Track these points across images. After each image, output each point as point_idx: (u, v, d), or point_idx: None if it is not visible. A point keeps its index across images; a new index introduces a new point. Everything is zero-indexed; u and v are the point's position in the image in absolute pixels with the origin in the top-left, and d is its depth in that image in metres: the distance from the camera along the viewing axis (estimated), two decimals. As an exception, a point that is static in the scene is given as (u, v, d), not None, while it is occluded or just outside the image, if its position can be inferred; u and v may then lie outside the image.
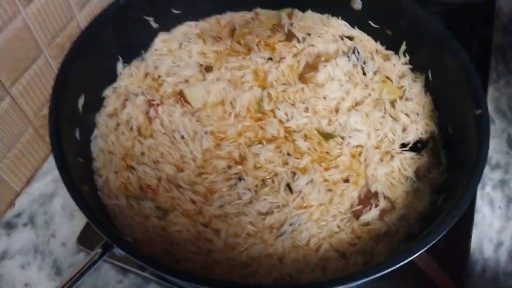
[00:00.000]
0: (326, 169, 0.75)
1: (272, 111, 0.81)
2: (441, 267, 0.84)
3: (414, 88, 0.83)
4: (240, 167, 0.75)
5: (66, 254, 0.90)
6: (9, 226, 0.93)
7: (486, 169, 0.98)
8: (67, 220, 0.94)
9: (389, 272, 0.81)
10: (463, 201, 0.58)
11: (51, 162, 1.00)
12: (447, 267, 0.84)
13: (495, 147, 1.02)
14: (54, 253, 0.90)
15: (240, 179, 0.73)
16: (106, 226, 0.57)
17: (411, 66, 0.86)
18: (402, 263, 0.54)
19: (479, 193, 0.95)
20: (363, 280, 0.53)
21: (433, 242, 0.56)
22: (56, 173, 0.63)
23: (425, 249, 0.55)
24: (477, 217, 0.92)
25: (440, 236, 0.56)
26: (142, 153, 0.76)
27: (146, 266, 0.53)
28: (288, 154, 0.76)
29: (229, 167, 0.75)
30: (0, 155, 0.88)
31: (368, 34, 0.92)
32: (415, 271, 0.84)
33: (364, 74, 0.85)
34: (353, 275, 0.54)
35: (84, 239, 0.87)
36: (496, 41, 1.19)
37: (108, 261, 0.87)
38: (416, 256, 0.55)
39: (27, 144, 0.96)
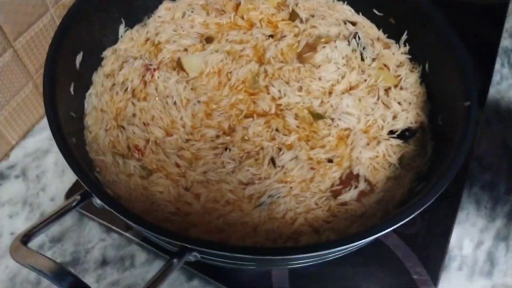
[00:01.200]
0: (312, 148, 0.75)
1: (266, 87, 0.82)
2: (419, 260, 0.85)
3: (410, 78, 0.83)
4: (228, 137, 0.76)
5: (53, 209, 0.92)
6: (2, 176, 0.96)
7: (477, 169, 0.98)
8: (58, 176, 0.96)
9: (368, 257, 0.83)
10: (434, 189, 0.58)
11: (48, 118, 1.02)
12: (425, 260, 0.85)
13: (489, 149, 1.02)
14: (42, 207, 0.93)
15: (226, 149, 0.75)
16: (86, 174, 0.59)
17: (410, 56, 0.86)
18: (361, 241, 0.54)
19: (466, 191, 0.95)
20: (324, 252, 0.54)
21: (400, 223, 0.56)
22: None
23: (391, 229, 0.56)
24: (461, 215, 0.92)
25: (407, 219, 0.57)
26: (134, 115, 0.78)
27: (119, 216, 0.54)
28: (277, 130, 0.77)
29: (217, 136, 0.77)
30: (-2, 106, 0.90)
31: (372, 21, 0.92)
32: (392, 261, 0.85)
33: (363, 59, 0.85)
34: (309, 246, 0.55)
35: (72, 196, 0.88)
36: (503, 43, 1.18)
37: (93, 219, 0.89)
38: (382, 235, 0.56)
39: (26, 98, 0.98)
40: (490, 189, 0.96)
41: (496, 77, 1.13)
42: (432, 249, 0.86)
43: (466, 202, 0.94)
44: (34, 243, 0.87)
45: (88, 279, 0.85)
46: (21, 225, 0.90)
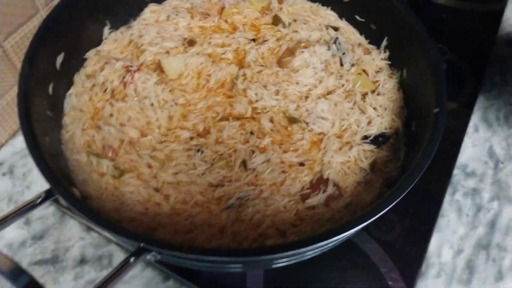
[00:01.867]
0: (285, 152, 0.76)
1: (244, 90, 0.82)
2: (395, 265, 0.85)
3: (388, 83, 0.83)
4: (202, 139, 0.77)
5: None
6: (-11, 173, 0.98)
7: (460, 176, 0.98)
8: (44, 174, 0.98)
9: (344, 261, 0.83)
10: (394, 195, 0.58)
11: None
12: (402, 266, 0.84)
13: (474, 156, 1.01)
14: (27, 204, 0.94)
15: (199, 150, 0.75)
16: (51, 173, 0.60)
17: (389, 62, 0.86)
18: (319, 243, 0.55)
19: (447, 198, 0.94)
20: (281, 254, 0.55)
21: (359, 227, 0.57)
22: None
23: (347, 233, 0.56)
24: (442, 222, 0.92)
25: (365, 223, 0.57)
26: (111, 115, 0.79)
27: (78, 212, 0.55)
28: (251, 133, 0.78)
29: (192, 138, 0.77)
30: (-14, 104, 0.93)
31: (355, 27, 0.92)
32: (368, 266, 0.84)
33: (342, 65, 0.85)
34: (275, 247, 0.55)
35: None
36: (495, 50, 1.17)
37: (74, 218, 0.91)
38: (341, 239, 0.56)
39: (15, 98, 0.99)
40: (473, 196, 0.96)
41: (486, 84, 1.12)
42: (409, 255, 0.85)
43: (447, 209, 0.93)
44: (16, 240, 0.90)
45: (66, 277, 0.86)
46: (5, 222, 0.92)
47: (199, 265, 0.61)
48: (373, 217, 0.57)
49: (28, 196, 0.96)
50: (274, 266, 0.70)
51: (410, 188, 0.59)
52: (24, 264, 0.87)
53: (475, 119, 1.06)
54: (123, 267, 0.54)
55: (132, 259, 0.55)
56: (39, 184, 0.97)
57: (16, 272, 0.51)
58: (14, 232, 0.92)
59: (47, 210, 0.94)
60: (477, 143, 1.03)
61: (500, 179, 0.98)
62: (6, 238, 0.90)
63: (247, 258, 0.55)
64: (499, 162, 1.00)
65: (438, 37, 0.81)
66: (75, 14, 0.82)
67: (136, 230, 0.68)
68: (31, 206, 0.57)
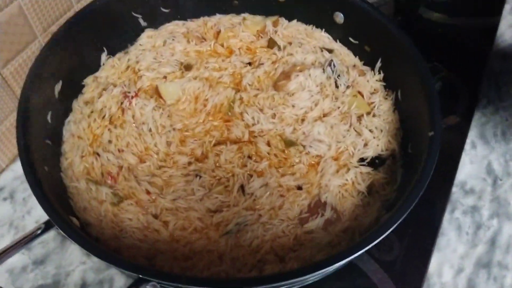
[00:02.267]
0: (283, 175, 0.76)
1: (241, 113, 0.83)
2: (395, 286, 0.84)
3: (384, 105, 0.84)
4: (200, 164, 0.78)
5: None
6: (-10, 199, 0.98)
7: (458, 194, 0.98)
8: (44, 199, 0.98)
9: (344, 282, 0.83)
10: (393, 219, 0.59)
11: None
12: (402, 286, 0.84)
13: (472, 173, 1.01)
14: (27, 229, 0.95)
15: (197, 175, 0.76)
16: (51, 205, 0.60)
17: (384, 84, 0.87)
18: (318, 271, 0.55)
19: (447, 216, 0.94)
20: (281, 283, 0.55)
21: (359, 253, 0.57)
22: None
23: (346, 260, 0.56)
24: (442, 241, 0.92)
25: (364, 249, 0.57)
26: (110, 141, 0.80)
27: (77, 244, 0.56)
28: (249, 157, 0.78)
29: (190, 163, 0.78)
30: (-14, 131, 0.93)
31: (349, 48, 0.93)
32: (368, 286, 0.84)
33: (337, 87, 0.86)
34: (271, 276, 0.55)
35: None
36: (491, 66, 1.18)
37: (74, 243, 0.91)
38: (339, 266, 0.57)
39: (14, 123, 1.00)
40: (472, 214, 0.96)
41: (482, 101, 1.12)
42: (410, 276, 0.85)
43: (447, 228, 0.93)
44: (17, 265, 0.90)
45: (67, 302, 0.86)
46: (5, 247, 0.92)
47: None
48: (372, 242, 0.57)
49: (29, 221, 0.96)
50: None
51: (408, 212, 0.59)
52: (26, 289, 0.87)
53: (472, 135, 1.07)
54: (122, 298, 0.54)
55: (131, 291, 0.55)
56: (39, 209, 0.95)
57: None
58: (15, 257, 0.90)
59: (48, 235, 0.93)
60: (475, 160, 1.03)
61: (499, 196, 0.98)
62: (7, 263, 0.90)
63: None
64: (497, 178, 1.00)
65: (431, 53, 0.82)
66: (73, 42, 0.83)
67: (135, 257, 0.68)
68: (32, 237, 0.58)
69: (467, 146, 1.04)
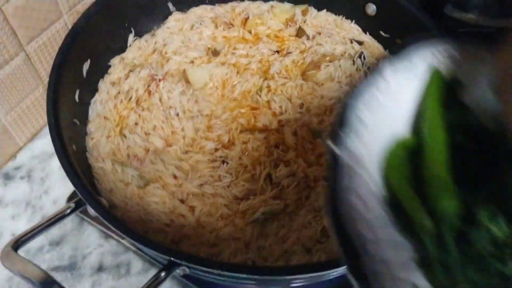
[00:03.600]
0: (309, 166, 0.75)
1: (268, 102, 0.82)
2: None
3: (413, 99, 0.83)
4: (226, 151, 0.77)
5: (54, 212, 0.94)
6: (7, 177, 0.97)
7: None
8: (62, 180, 0.97)
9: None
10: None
11: (56, 122, 1.04)
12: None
13: None
14: (44, 209, 0.94)
15: (224, 162, 0.75)
16: (82, 183, 0.60)
17: (414, 78, 0.86)
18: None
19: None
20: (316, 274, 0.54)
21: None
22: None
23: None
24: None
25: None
26: (136, 124, 0.79)
27: (110, 225, 0.55)
28: (276, 146, 0.77)
29: (216, 149, 0.77)
30: (7, 108, 0.93)
31: (379, 41, 0.92)
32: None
33: (366, 79, 0.85)
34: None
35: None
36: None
37: (93, 225, 0.90)
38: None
39: (35, 101, 1.00)
40: None
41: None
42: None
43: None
44: (33, 245, 0.90)
45: (84, 285, 0.86)
46: (23, 227, 0.91)
47: (225, 280, 0.61)
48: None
49: (46, 201, 0.95)
50: (298, 284, 0.69)
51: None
52: (42, 270, 0.87)
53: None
54: (154, 282, 0.53)
55: (162, 274, 0.54)
56: (57, 189, 0.97)
57: (47, 282, 0.50)
58: (31, 237, 0.91)
59: (65, 216, 0.93)
60: None
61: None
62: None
63: (275, 277, 0.54)
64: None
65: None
66: (101, 21, 0.82)
67: (162, 242, 0.67)
68: (61, 216, 0.57)
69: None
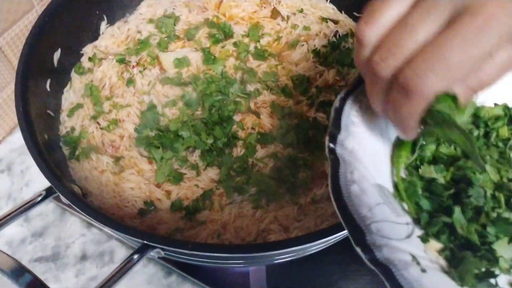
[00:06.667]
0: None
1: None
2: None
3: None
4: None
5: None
6: (-13, 171, 0.97)
7: None
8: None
9: (346, 256, 0.82)
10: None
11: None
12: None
13: None
14: (25, 201, 0.94)
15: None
16: (51, 170, 0.59)
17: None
18: (322, 239, 0.54)
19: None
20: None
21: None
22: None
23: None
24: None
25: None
26: (110, 111, 0.78)
27: (80, 211, 0.55)
28: (252, 128, 0.77)
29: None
30: (-18, 102, 0.92)
31: (354, 20, 0.91)
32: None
33: (342, 57, 0.84)
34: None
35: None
36: None
37: (75, 214, 0.90)
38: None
39: (12, 95, 0.99)
40: None
41: None
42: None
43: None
44: (16, 237, 0.89)
45: (67, 274, 0.86)
46: (4, 220, 0.91)
47: (202, 261, 0.61)
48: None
49: (27, 193, 0.95)
50: (276, 261, 0.69)
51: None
52: (24, 261, 0.87)
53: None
54: (127, 264, 0.53)
55: (135, 256, 0.54)
56: (38, 181, 0.96)
57: (19, 271, 0.50)
58: (13, 229, 0.91)
59: (47, 207, 0.93)
60: None
61: None
62: (5, 235, 0.90)
63: (251, 254, 0.54)
64: None
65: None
66: (71, 9, 0.81)
67: (138, 227, 0.67)
68: (31, 204, 0.57)
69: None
